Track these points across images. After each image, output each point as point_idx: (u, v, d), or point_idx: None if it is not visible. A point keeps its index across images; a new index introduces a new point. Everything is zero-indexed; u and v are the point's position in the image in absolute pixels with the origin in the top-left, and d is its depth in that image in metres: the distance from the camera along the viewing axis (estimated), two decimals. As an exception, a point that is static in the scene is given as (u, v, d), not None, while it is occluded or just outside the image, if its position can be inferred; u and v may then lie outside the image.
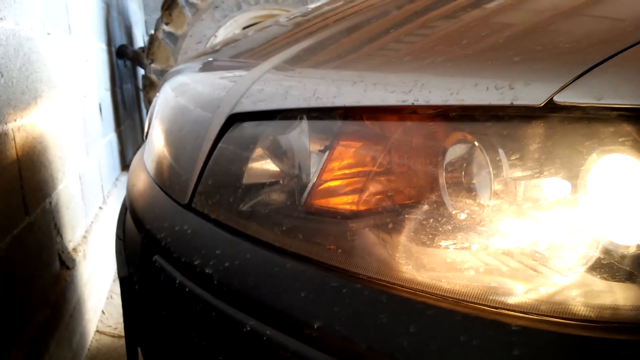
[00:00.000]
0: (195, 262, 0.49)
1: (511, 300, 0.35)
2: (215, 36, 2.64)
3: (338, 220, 0.45)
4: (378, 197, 0.44)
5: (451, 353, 0.34)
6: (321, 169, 0.47)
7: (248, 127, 0.56)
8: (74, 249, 1.43)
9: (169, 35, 2.68)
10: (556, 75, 0.34)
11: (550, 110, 0.35)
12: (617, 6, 0.43)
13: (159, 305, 0.58)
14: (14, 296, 0.99)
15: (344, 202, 0.46)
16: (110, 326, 1.51)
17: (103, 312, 1.59)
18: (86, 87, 1.90)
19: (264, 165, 0.54)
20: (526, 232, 0.37)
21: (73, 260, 1.36)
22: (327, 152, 0.47)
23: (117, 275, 0.85)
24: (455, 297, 0.36)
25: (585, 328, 0.33)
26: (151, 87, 2.71)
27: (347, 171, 0.47)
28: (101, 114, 2.14)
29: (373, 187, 0.44)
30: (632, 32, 0.36)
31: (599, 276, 0.35)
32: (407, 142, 0.43)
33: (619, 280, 0.35)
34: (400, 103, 0.41)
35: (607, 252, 0.35)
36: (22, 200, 1.10)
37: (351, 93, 0.45)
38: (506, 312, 0.35)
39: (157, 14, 2.87)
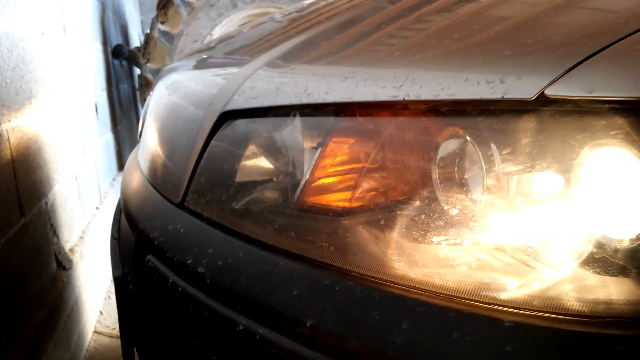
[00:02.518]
0: (188, 261, 0.49)
1: (504, 296, 0.35)
2: (211, 35, 2.64)
3: (331, 217, 0.45)
4: (371, 193, 0.44)
5: (444, 350, 0.34)
6: (314, 166, 0.47)
7: (240, 125, 0.56)
8: (71, 250, 1.43)
9: (165, 34, 2.67)
10: (547, 69, 0.34)
11: (541, 104, 0.34)
12: (609, -2, 0.43)
13: (153, 305, 0.58)
14: (10, 297, 0.99)
15: (336, 199, 0.46)
16: (108, 326, 1.51)
17: (101, 312, 1.59)
18: (82, 87, 1.89)
19: (256, 162, 0.54)
20: (519, 227, 0.37)
21: (70, 261, 1.36)
22: (319, 149, 0.47)
23: (112, 275, 0.85)
24: (447, 293, 0.36)
25: (579, 323, 0.33)
26: (147, 86, 2.70)
27: (339, 168, 0.46)
28: (97, 114, 2.13)
29: (366, 184, 0.44)
30: (624, 24, 0.36)
31: (592, 271, 0.35)
32: (399, 138, 0.43)
33: (613, 275, 0.34)
34: (391, 98, 0.40)
35: (600, 246, 0.34)
36: (18, 201, 1.09)
37: (342, 89, 0.44)
38: (499, 308, 0.34)
39: (153, 13, 2.86)
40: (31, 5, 1.33)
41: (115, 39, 3.00)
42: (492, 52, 0.39)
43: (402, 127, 0.43)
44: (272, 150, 0.53)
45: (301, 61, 0.57)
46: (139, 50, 2.84)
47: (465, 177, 0.39)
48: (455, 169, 0.40)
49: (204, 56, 0.87)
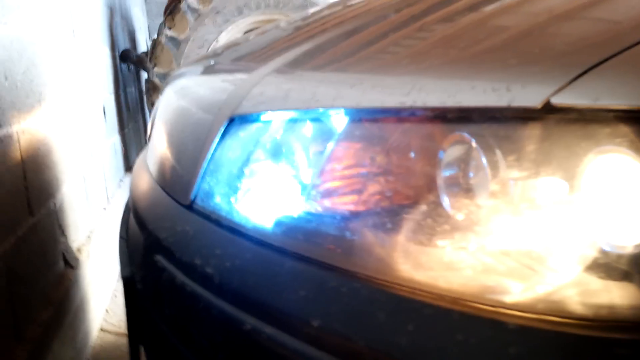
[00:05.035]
0: (197, 262, 0.50)
1: (508, 299, 0.35)
2: (217, 40, 2.66)
3: (337, 220, 0.46)
4: (377, 197, 0.45)
5: (448, 351, 0.34)
6: (321, 169, 0.48)
7: (249, 129, 0.57)
8: (78, 249, 1.44)
9: (172, 39, 2.70)
10: (553, 77, 0.35)
11: (547, 112, 0.35)
12: (614, 8, 0.44)
13: (160, 305, 0.58)
14: (18, 295, 1.00)
15: (343, 202, 0.46)
16: (113, 324, 1.52)
17: (107, 310, 1.60)
18: (90, 91, 1.91)
19: (264, 166, 0.54)
20: (523, 232, 0.37)
21: (77, 260, 1.37)
22: (326, 153, 0.48)
23: (120, 275, 0.86)
24: (452, 296, 0.37)
25: (582, 327, 0.33)
26: (154, 90, 2.73)
27: (346, 172, 0.47)
28: (105, 117, 2.16)
29: (372, 188, 0.45)
30: (629, 34, 0.36)
31: (595, 275, 0.35)
32: (406, 144, 0.44)
33: (616, 280, 0.35)
34: (398, 105, 0.41)
35: (603, 251, 0.35)
36: (27, 201, 1.11)
37: (350, 95, 0.45)
38: (503, 310, 0.35)
39: (160, 19, 2.89)
40: (41, 10, 1.36)
41: (123, 44, 3.03)
42: (498, 60, 0.40)
43: (409, 133, 0.44)
44: (279, 154, 0.54)
45: (309, 68, 0.59)
46: (147, 55, 2.87)
47: (471, 182, 0.40)
48: (461, 174, 0.40)
49: (212, 62, 0.88)
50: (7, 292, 0.95)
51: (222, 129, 0.58)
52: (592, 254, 0.35)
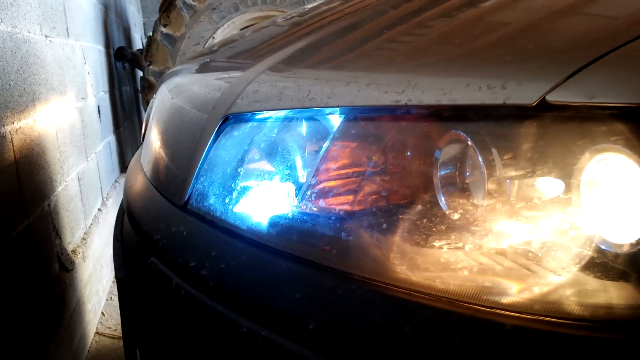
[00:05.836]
0: (191, 264, 0.49)
1: (505, 300, 0.35)
2: (213, 38, 2.65)
3: (333, 220, 0.45)
4: (372, 197, 0.44)
5: (445, 353, 0.34)
6: (316, 169, 0.47)
7: (243, 128, 0.56)
8: (73, 251, 1.43)
9: (167, 37, 2.68)
10: (548, 75, 0.34)
11: (542, 110, 0.35)
12: (610, 5, 0.43)
13: (156, 307, 0.58)
14: (12, 298, 0.99)
15: (338, 203, 0.46)
16: (109, 327, 1.52)
17: (102, 313, 1.60)
18: (85, 90, 1.90)
19: (259, 166, 0.54)
20: (520, 232, 0.37)
21: (72, 262, 1.36)
22: (321, 153, 0.47)
23: (115, 277, 0.85)
24: (449, 297, 0.36)
25: (579, 327, 0.33)
26: (150, 89, 2.72)
27: (341, 171, 0.47)
28: (100, 116, 2.14)
29: (367, 187, 0.44)
30: (625, 31, 0.36)
31: (592, 275, 0.35)
32: (401, 142, 0.43)
33: (613, 279, 0.34)
34: (393, 103, 0.41)
35: (600, 251, 0.35)
36: (21, 202, 1.10)
37: (345, 94, 0.45)
38: (500, 311, 0.35)
39: (155, 16, 2.88)
40: (34, 8, 1.34)
41: (118, 42, 3.01)
42: (493, 57, 0.39)
43: (404, 131, 0.43)
44: (274, 153, 0.53)
45: (304, 65, 0.58)
46: (142, 53, 2.85)
47: (467, 181, 0.39)
48: (457, 173, 0.40)
49: (207, 60, 0.87)
50: (1, 295, 0.94)
51: (217, 128, 0.57)
52: (588, 253, 0.35)
